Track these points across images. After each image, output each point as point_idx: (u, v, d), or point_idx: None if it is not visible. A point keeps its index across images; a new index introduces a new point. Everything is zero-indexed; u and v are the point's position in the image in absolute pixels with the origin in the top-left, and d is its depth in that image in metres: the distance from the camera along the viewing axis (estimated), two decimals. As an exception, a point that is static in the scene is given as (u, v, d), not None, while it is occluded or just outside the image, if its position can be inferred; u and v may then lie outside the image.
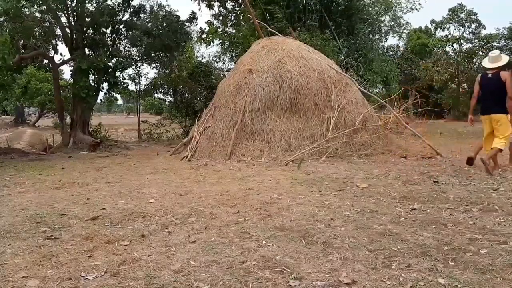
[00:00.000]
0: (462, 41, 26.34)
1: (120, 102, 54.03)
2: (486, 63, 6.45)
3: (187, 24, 13.96)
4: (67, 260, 2.90)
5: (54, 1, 10.61)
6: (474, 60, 25.79)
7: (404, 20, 19.32)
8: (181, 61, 15.15)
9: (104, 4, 12.34)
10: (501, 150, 6.13)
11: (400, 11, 18.78)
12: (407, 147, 8.70)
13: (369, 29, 16.63)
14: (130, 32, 12.84)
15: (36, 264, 2.83)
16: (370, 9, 16.91)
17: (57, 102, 13.11)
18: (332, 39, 14.11)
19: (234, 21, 16.41)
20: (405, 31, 20.47)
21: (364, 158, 7.76)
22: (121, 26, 12.84)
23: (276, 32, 10.59)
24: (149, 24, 12.85)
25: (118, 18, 12.68)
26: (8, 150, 10.91)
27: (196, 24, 14.32)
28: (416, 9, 18.99)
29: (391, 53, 22.17)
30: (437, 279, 2.47)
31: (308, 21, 14.64)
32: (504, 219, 3.67)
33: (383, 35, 18.88)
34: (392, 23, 18.92)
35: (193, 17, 14.14)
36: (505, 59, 6.33)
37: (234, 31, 15.95)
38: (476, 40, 25.80)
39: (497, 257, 2.78)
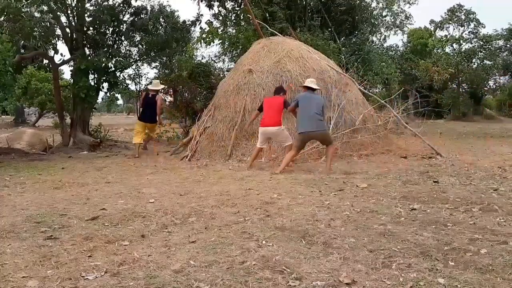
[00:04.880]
0: (461, 41, 26.39)
1: (120, 102, 54.01)
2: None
3: (191, 26, 14.03)
4: (67, 260, 2.89)
5: (54, 1, 10.60)
6: (474, 60, 25.85)
7: (406, 13, 19.30)
8: (181, 61, 15.15)
9: (104, 4, 12.35)
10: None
11: (404, 2, 18.76)
12: (407, 147, 8.70)
13: (370, 28, 16.61)
14: (131, 33, 12.86)
15: (36, 264, 2.83)
16: (373, 5, 16.92)
17: (57, 102, 13.10)
18: (332, 39, 14.10)
19: (234, 21, 16.41)
20: (407, 25, 20.45)
21: (364, 158, 7.76)
22: (122, 26, 12.85)
23: (276, 32, 10.58)
24: (149, 22, 12.87)
25: (119, 18, 12.68)
26: (8, 150, 10.90)
27: (200, 24, 14.34)
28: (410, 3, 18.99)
29: (390, 53, 22.21)
30: (437, 279, 2.47)
31: (308, 21, 14.64)
32: (504, 219, 3.67)
33: (384, 33, 18.89)
34: (393, 18, 18.92)
35: (197, 20, 14.22)
36: None
37: (234, 31, 15.94)
38: (475, 40, 25.86)
39: (497, 257, 2.78)
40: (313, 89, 6.65)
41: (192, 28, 14.31)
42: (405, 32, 23.66)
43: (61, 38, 12.29)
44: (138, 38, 13.21)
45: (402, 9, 19.08)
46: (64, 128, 12.34)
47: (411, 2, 18.84)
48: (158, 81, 10.47)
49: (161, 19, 13.06)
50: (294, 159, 7.00)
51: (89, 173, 7.14)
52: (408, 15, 19.76)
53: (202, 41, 14.27)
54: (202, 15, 14.39)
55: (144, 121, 9.36)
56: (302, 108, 6.46)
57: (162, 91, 17.19)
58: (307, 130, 6.38)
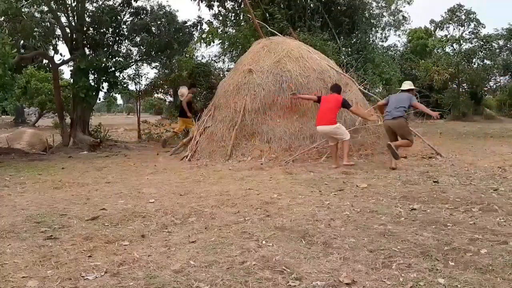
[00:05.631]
0: (461, 41, 26.38)
1: (120, 102, 54.03)
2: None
3: (192, 28, 14.04)
4: (67, 260, 2.90)
5: (54, 1, 10.59)
6: (474, 60, 25.84)
7: (405, 13, 19.27)
8: (181, 61, 15.16)
9: (104, 4, 12.35)
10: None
11: (402, 3, 18.74)
12: (407, 147, 8.69)
13: (369, 28, 16.60)
14: (131, 33, 12.86)
15: (36, 264, 2.83)
16: (374, 4, 16.91)
17: (57, 102, 13.11)
18: (332, 39, 14.10)
19: (234, 21, 16.40)
20: (405, 25, 20.40)
21: (364, 158, 7.76)
22: (122, 26, 12.85)
23: (276, 32, 10.58)
24: (151, 23, 12.87)
25: (119, 18, 12.69)
26: (8, 150, 10.91)
27: (201, 25, 14.38)
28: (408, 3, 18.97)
29: (390, 52, 22.19)
30: (437, 279, 2.47)
31: (308, 21, 14.63)
32: (504, 219, 3.67)
33: (384, 33, 18.86)
34: (392, 18, 18.90)
35: (199, 22, 14.23)
36: None
37: (234, 31, 15.94)
38: (475, 40, 25.85)
39: (497, 257, 2.78)
40: (406, 91, 7.26)
41: (194, 30, 14.32)
42: (403, 32, 23.64)
43: (61, 38, 12.30)
44: (139, 39, 13.20)
45: (399, 9, 19.09)
46: (64, 128, 12.35)
47: (407, 0, 18.84)
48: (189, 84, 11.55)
49: (162, 19, 13.04)
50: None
51: (89, 173, 7.15)
52: (405, 16, 19.76)
53: (202, 41, 14.27)
54: (203, 18, 14.43)
55: (180, 116, 10.69)
56: (388, 104, 7.17)
57: (162, 91, 17.35)
58: (385, 119, 7.15)
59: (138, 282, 2.52)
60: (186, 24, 13.77)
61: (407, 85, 7.37)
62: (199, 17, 14.43)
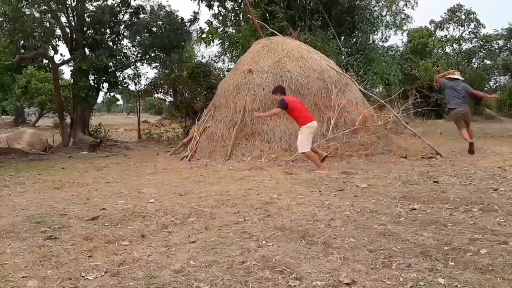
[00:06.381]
0: (461, 41, 26.40)
1: (120, 102, 54.00)
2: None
3: (189, 24, 13.99)
4: (67, 260, 2.89)
5: (54, 1, 10.61)
6: (474, 60, 25.84)
7: (404, 14, 19.17)
8: (181, 61, 15.15)
9: (104, 3, 12.36)
10: None
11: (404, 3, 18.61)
12: (407, 147, 8.70)
13: (370, 28, 16.57)
14: (131, 33, 12.86)
15: (36, 264, 2.83)
16: (374, 3, 16.86)
17: (57, 102, 13.12)
18: (333, 39, 14.09)
19: (234, 21, 16.40)
20: (406, 24, 20.28)
21: (364, 158, 7.76)
22: (121, 26, 12.85)
23: (276, 32, 10.58)
24: (151, 23, 12.86)
25: (119, 18, 12.69)
26: (8, 150, 10.92)
27: (198, 24, 14.34)
28: (412, 7, 18.88)
29: (390, 53, 22.16)
30: (437, 279, 2.47)
31: (309, 21, 14.63)
32: (504, 219, 3.66)
33: (385, 33, 18.78)
34: (393, 19, 18.82)
35: (195, 18, 14.18)
36: None
37: (234, 31, 15.94)
38: (475, 40, 25.86)
39: (497, 257, 2.78)
40: (457, 79, 8.33)
41: (191, 28, 14.29)
42: (405, 31, 23.52)
43: (61, 38, 12.30)
44: (139, 38, 13.21)
45: (401, 9, 19.02)
46: (64, 128, 12.36)
47: (409, 5, 18.75)
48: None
49: (164, 19, 13.02)
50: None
51: (89, 173, 7.15)
52: (406, 15, 19.69)
53: (202, 41, 14.26)
54: (198, 13, 14.35)
55: None
56: (452, 92, 8.19)
57: (162, 91, 17.38)
58: (455, 107, 8.16)
59: (138, 282, 2.52)
60: (182, 21, 13.71)
61: (459, 74, 8.62)
62: (194, 12, 14.34)
